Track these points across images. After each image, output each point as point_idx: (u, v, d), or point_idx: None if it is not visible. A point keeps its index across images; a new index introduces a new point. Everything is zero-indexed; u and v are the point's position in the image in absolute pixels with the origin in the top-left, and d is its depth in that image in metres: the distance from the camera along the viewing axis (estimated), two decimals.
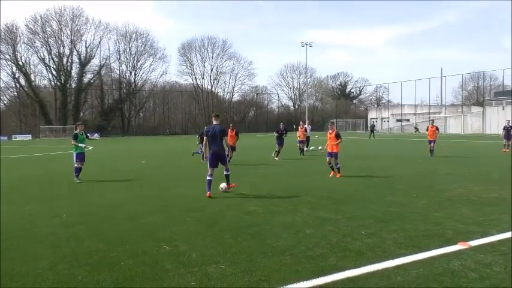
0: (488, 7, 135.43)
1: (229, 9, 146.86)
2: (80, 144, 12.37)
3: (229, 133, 16.95)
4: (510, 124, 24.33)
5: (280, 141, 19.84)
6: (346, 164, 16.68)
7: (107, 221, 7.24)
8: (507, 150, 22.31)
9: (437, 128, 19.88)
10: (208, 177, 9.47)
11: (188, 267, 4.76)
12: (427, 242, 5.59)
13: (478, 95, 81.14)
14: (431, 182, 11.12)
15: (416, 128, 67.39)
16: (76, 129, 12.95)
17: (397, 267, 4.64)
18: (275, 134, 20.28)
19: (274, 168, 15.54)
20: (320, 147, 25.11)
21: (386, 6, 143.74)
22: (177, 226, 6.72)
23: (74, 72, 73.76)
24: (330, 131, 13.05)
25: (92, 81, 75.79)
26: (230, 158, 16.80)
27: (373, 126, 50.34)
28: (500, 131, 26.14)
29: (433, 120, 21.59)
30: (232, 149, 17.02)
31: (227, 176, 9.87)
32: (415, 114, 72.18)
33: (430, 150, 19.36)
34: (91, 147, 34.50)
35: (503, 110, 58.40)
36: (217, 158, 9.60)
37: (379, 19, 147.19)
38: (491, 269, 4.54)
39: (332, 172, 12.74)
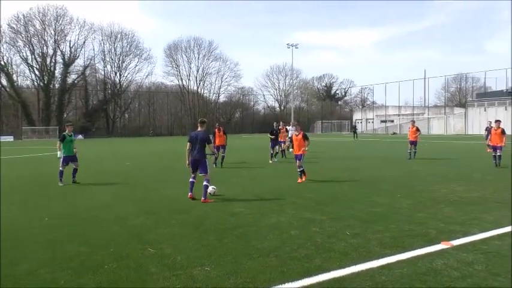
0: (471, 10, 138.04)
1: (216, 9, 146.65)
2: (58, 152, 12.08)
3: (216, 133, 16.78)
4: (492, 125, 24.87)
5: (274, 143, 18.59)
6: (331, 164, 16.80)
7: (90, 223, 7.15)
8: (491, 150, 22.72)
9: (417, 129, 19.09)
10: (191, 179, 9.34)
11: (173, 270, 4.73)
12: (411, 241, 5.66)
13: (461, 96, 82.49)
14: (414, 183, 11.26)
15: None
16: (65, 130, 12.55)
17: (382, 267, 4.69)
18: (270, 136, 18.75)
19: (260, 169, 15.54)
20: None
21: (371, 8, 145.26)
22: (162, 228, 6.67)
23: (58, 72, 72.48)
24: (296, 133, 12.19)
25: (76, 81, 74.60)
26: (223, 158, 16.59)
27: (355, 127, 50.83)
28: (482, 132, 26.64)
29: (413, 121, 20.18)
30: (223, 147, 16.74)
31: (205, 187, 9.05)
32: (399, 115, 73.05)
33: (409, 152, 18.59)
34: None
35: (485, 111, 59.51)
36: (196, 165, 9.28)
37: (364, 21, 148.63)
38: (473, 267, 4.62)
39: (301, 178, 11.87)
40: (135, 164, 18.42)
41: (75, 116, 76.05)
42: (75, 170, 12.30)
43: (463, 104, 71.10)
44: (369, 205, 8.24)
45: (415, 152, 18.64)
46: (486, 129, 24.71)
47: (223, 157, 16.60)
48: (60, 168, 12.00)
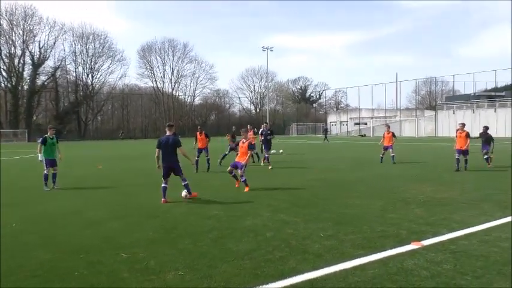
0: (441, 15, 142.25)
1: (191, 11, 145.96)
2: (39, 155, 11.87)
3: (198, 136, 16.42)
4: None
5: (267, 145, 17.37)
6: (305, 166, 16.94)
7: (62, 228, 6.97)
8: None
9: (393, 134, 18.60)
10: (163, 185, 9.21)
11: (146, 275, 4.66)
12: (382, 242, 5.77)
13: (431, 99, 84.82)
14: (386, 184, 11.49)
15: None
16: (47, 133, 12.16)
17: (354, 268, 4.76)
18: (261, 137, 17.87)
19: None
20: (281, 151, 25.42)
21: (344, 12, 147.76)
22: (135, 233, 6.57)
23: (27, 73, 70.30)
24: (244, 140, 11.51)
25: (45, 83, 72.53)
26: (208, 161, 16.16)
27: (325, 130, 51.34)
28: (452, 134, 27.58)
29: (388, 126, 19.84)
30: (205, 150, 16.27)
31: (186, 186, 9.31)
32: (372, 118, 74.41)
33: (382, 156, 18.23)
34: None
35: (453, 114, 61.35)
36: (170, 170, 9.25)
37: (338, 24, 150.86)
38: (442, 267, 4.75)
39: (238, 182, 11.31)
40: (108, 168, 18.08)
41: (45, 118, 73.92)
42: (54, 175, 11.92)
43: (433, 107, 73.11)
44: (342, 207, 8.36)
45: (393, 156, 17.95)
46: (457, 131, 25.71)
47: (208, 159, 16.16)
48: (45, 172, 11.71)
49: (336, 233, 6.33)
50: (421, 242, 5.70)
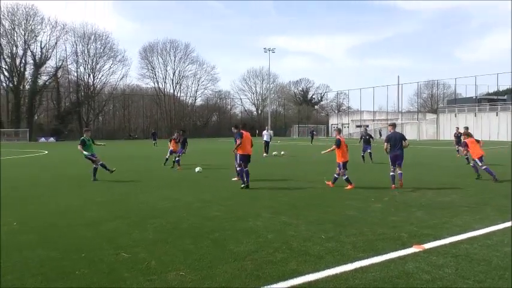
0: (442, 18, 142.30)
1: (192, 13, 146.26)
2: (84, 152, 13.58)
3: (173, 142, 17.92)
4: (459, 131, 26.30)
5: (367, 146, 19.95)
6: (304, 169, 16.90)
7: (61, 228, 6.96)
8: (459, 156, 23.68)
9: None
10: (391, 173, 11.56)
11: (147, 275, 4.66)
12: (383, 245, 5.76)
13: (432, 102, 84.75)
14: (385, 186, 11.45)
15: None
16: (83, 135, 14.15)
17: (355, 270, 4.75)
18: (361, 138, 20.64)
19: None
20: (282, 152, 25.46)
21: (346, 15, 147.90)
22: (136, 233, 6.56)
23: (28, 73, 70.44)
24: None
25: (47, 83, 72.68)
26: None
27: (312, 132, 51.03)
28: (453, 138, 27.70)
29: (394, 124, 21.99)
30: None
31: (400, 175, 11.41)
32: (373, 120, 74.39)
33: None
34: (46, 152, 33.12)
35: (455, 117, 61.31)
36: (396, 158, 11.45)
37: (339, 27, 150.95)
38: (443, 270, 4.73)
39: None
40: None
41: (46, 118, 74.15)
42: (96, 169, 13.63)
43: (434, 110, 73.01)
44: (344, 209, 8.35)
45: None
46: (455, 135, 25.83)
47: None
48: (94, 166, 13.62)
49: (337, 235, 6.32)
50: (423, 246, 5.68)
